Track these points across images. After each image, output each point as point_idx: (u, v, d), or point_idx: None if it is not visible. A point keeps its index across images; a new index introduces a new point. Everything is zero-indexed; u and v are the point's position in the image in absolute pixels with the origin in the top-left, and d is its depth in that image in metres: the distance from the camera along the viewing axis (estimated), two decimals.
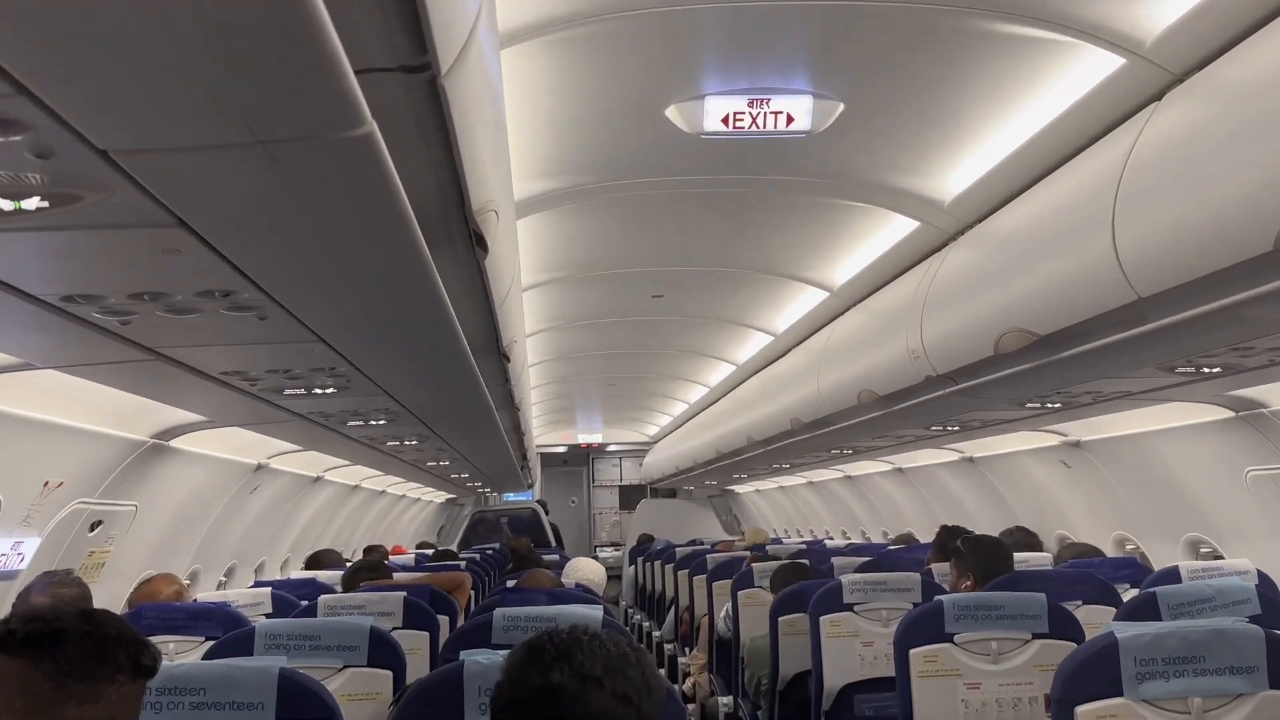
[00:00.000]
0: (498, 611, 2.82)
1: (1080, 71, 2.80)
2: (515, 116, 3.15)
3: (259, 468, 5.91)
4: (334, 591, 4.36)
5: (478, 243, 2.42)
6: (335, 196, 1.64)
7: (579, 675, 1.45)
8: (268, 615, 4.06)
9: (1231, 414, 4.18)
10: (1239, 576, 3.55)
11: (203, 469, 5.20)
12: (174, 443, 4.60)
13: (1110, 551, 5.36)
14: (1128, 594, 3.66)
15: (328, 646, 2.82)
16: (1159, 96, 2.55)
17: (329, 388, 3.46)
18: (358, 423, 4.51)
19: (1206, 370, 3.30)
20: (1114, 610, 3.37)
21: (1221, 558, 4.58)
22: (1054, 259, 2.85)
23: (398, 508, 11.32)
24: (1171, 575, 3.70)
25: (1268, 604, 3.10)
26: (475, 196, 2.15)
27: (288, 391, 3.48)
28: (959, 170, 3.66)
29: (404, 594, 3.65)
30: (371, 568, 4.90)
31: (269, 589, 4.40)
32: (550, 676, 1.45)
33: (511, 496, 15.90)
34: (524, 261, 4.84)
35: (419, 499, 12.21)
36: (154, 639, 1.88)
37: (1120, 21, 2.54)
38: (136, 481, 4.51)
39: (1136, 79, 2.64)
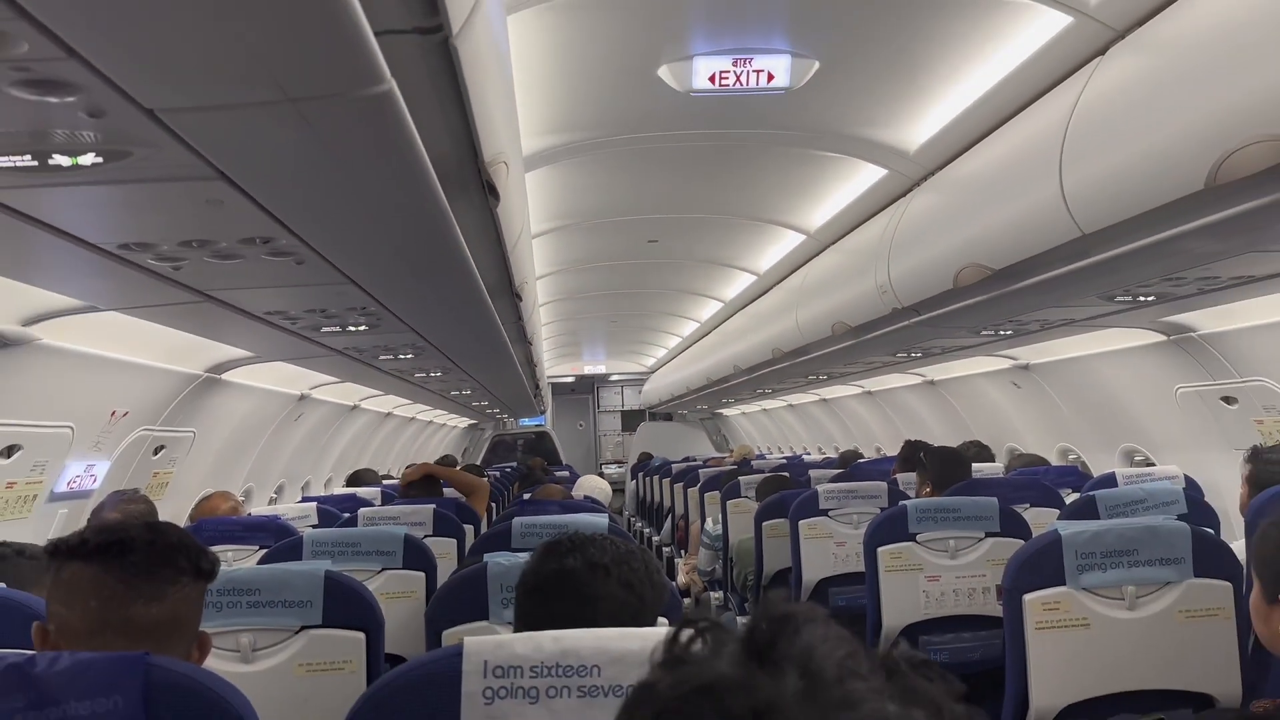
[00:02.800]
0: (516, 520, 2.83)
1: (1032, 29, 2.76)
2: (521, 77, 3.10)
3: (302, 398, 5.90)
4: (373, 505, 4.38)
5: (490, 192, 2.38)
6: (360, 149, 1.61)
7: (590, 563, 1.48)
8: (314, 526, 4.07)
9: (1164, 338, 4.17)
10: (1168, 481, 3.57)
11: (252, 399, 5.18)
12: (226, 376, 4.58)
13: (1054, 461, 5.37)
14: (1070, 498, 3.68)
15: (367, 552, 2.84)
16: (1103, 51, 2.50)
17: (361, 325, 3.45)
18: (388, 357, 4.49)
19: (1142, 299, 3.28)
20: (1057, 511, 3.39)
21: (1153, 465, 4.59)
22: (1008, 201, 2.82)
23: (426, 432, 11.33)
24: (1108, 481, 3.71)
25: (1193, 505, 3.11)
26: (487, 148, 2.11)
27: (324, 329, 3.46)
28: (923, 122, 3.61)
29: (434, 506, 3.66)
30: (429, 480, 4.71)
31: (314, 503, 4.41)
32: (565, 563, 1.48)
33: (526, 421, 15.99)
34: (532, 210, 4.78)
35: (444, 424, 12.23)
36: (214, 548, 1.89)
37: None
38: (194, 410, 4.50)
39: (1082, 36, 2.60)
